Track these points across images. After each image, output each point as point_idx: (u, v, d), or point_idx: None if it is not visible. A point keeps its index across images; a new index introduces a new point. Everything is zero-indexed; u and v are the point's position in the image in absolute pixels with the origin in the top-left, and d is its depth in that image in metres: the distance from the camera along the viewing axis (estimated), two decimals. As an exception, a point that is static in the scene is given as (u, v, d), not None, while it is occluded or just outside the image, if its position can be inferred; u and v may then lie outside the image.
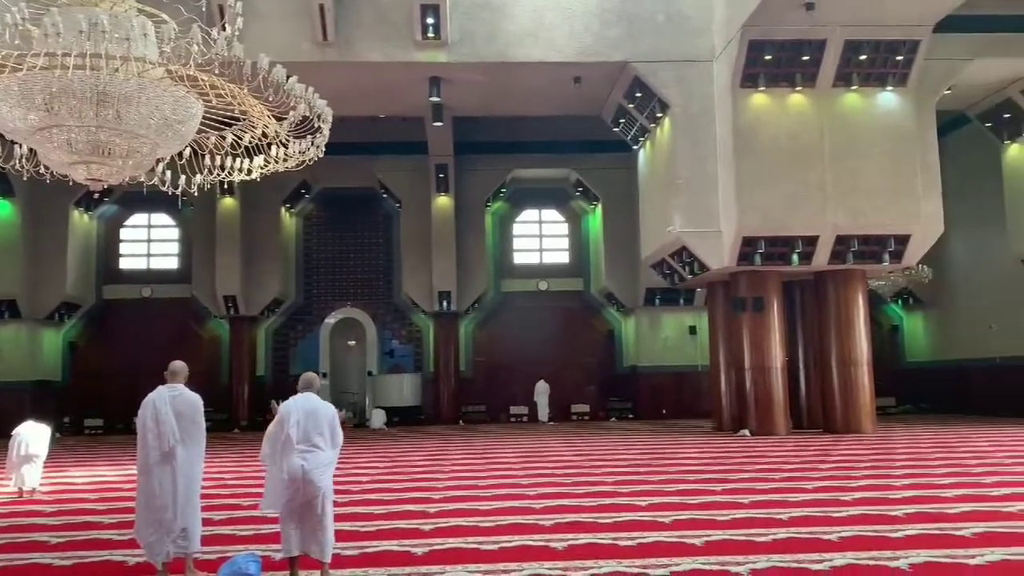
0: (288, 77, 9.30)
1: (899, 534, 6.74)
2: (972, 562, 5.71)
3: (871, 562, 5.78)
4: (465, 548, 6.57)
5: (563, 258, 29.31)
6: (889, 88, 17.88)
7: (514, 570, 5.78)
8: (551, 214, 29.57)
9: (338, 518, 7.66)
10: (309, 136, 10.38)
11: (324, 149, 10.70)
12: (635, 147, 21.80)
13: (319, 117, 10.03)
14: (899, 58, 17.48)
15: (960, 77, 19.51)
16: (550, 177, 28.31)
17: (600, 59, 18.88)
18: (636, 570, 5.70)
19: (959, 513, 7.66)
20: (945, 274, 25.05)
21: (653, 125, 20.03)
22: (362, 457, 15.09)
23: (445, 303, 26.38)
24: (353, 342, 28.31)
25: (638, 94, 19.57)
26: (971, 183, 23.40)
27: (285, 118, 9.97)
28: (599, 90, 20.35)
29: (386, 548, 6.66)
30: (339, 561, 5.95)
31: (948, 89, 19.63)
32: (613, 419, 26.32)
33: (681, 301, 26.11)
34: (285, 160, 10.44)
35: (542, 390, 25.96)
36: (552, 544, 6.61)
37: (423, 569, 5.89)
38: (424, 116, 22.45)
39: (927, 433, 17.82)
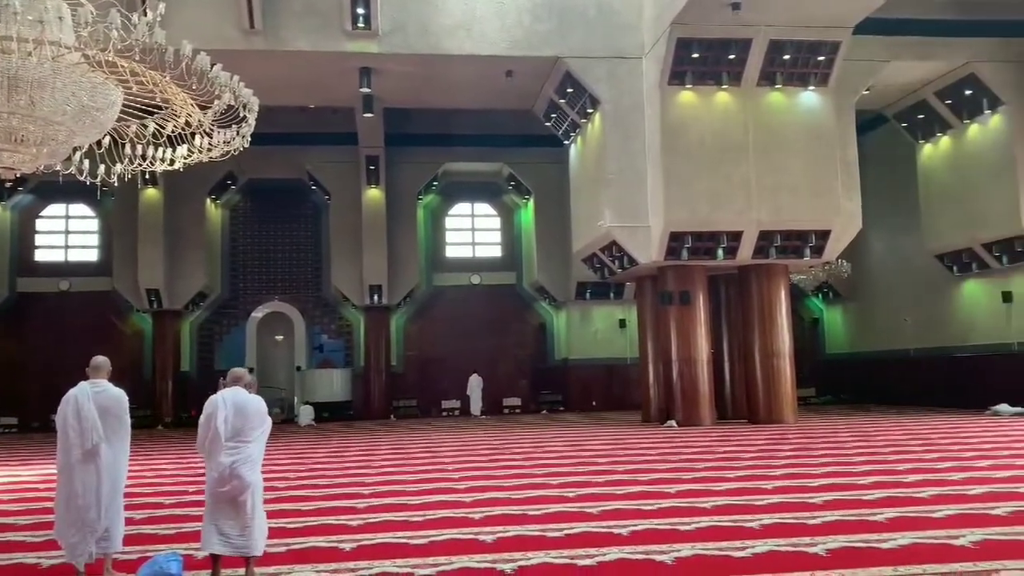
0: (212, 65, 9.09)
1: (817, 521, 6.96)
2: (884, 546, 5.94)
3: (790, 548, 5.96)
4: (394, 543, 6.54)
5: (496, 252, 29.37)
6: (811, 88, 18.40)
7: (443, 564, 5.78)
8: (484, 208, 29.59)
9: (265, 515, 7.56)
10: (234, 126, 10.18)
11: (250, 139, 10.50)
12: (567, 142, 21.97)
13: (245, 107, 9.84)
14: (820, 58, 18.00)
15: (878, 78, 20.22)
16: (482, 171, 28.31)
17: (531, 53, 18.95)
18: (564, 561, 5.76)
19: (874, 500, 7.95)
20: (863, 269, 25.95)
21: (584, 120, 20.20)
22: (290, 453, 14.88)
23: (376, 297, 26.15)
24: (281, 337, 27.87)
25: (569, 89, 19.72)
26: (888, 181, 24.27)
27: (209, 107, 9.75)
28: (531, 84, 20.43)
29: (313, 544, 6.59)
30: (265, 558, 5.85)
31: (867, 90, 20.32)
32: (544, 412, 26.53)
33: (611, 295, 26.44)
34: (210, 150, 10.22)
35: (475, 384, 26.00)
36: (481, 537, 6.64)
37: (351, 564, 5.84)
38: (355, 107, 22.19)
39: (845, 422, 18.45)
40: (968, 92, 20.55)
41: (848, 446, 13.28)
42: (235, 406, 5.53)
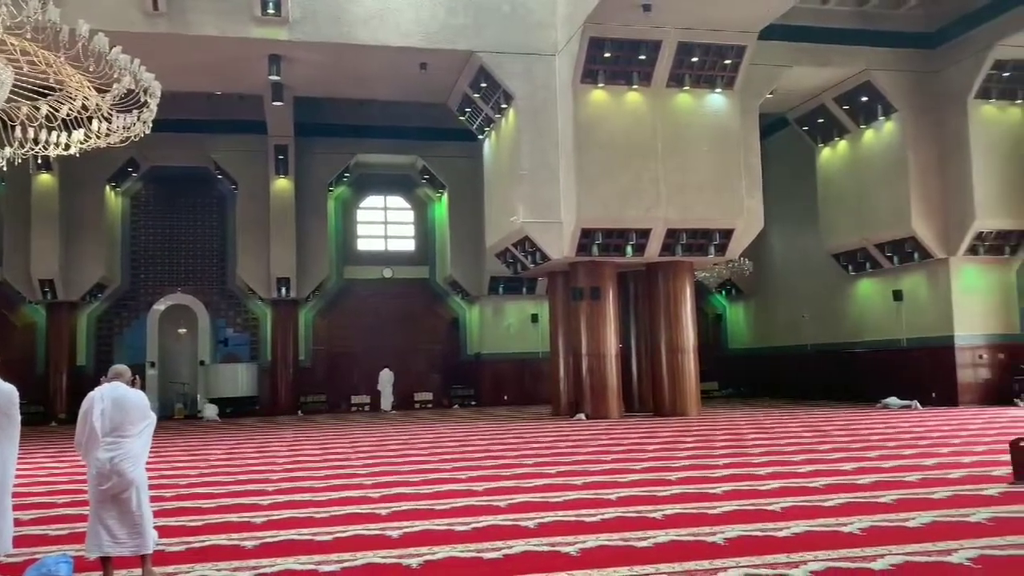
0: (112, 47, 8.74)
1: (717, 510, 7.18)
2: (780, 534, 6.17)
3: (691, 538, 6.13)
4: (298, 540, 6.44)
5: (408, 245, 29.18)
6: (718, 90, 18.91)
7: (347, 560, 5.73)
8: (396, 200, 29.34)
9: (163, 513, 7.34)
10: (135, 111, 9.81)
11: (153, 125, 10.15)
12: (481, 136, 21.98)
13: (146, 91, 9.50)
14: (727, 62, 18.51)
15: (781, 83, 20.93)
16: (395, 163, 28.09)
17: (446, 47, 18.87)
18: (470, 555, 5.78)
19: (771, 490, 8.25)
20: (764, 267, 26.87)
21: (498, 115, 20.25)
22: (192, 450, 14.46)
23: (284, 290, 25.63)
24: (184, 330, 27.00)
25: (483, 84, 19.73)
26: (789, 183, 25.19)
27: (108, 90, 9.37)
28: (445, 78, 20.34)
29: (214, 542, 6.42)
30: (162, 557, 5.68)
31: (770, 93, 21.02)
32: (456, 406, 26.53)
33: (524, 290, 26.62)
34: (108, 136, 9.82)
35: (386, 379, 25.77)
36: (388, 532, 6.60)
37: (252, 563, 5.72)
38: (263, 95, 21.69)
39: (745, 415, 19.09)
40: (864, 99, 21.50)
41: (747, 438, 13.74)
42: (114, 401, 5.35)
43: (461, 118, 22.01)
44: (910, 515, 6.71)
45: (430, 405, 27.03)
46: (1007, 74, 19.64)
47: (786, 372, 26.17)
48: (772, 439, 13.48)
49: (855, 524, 6.42)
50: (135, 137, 9.97)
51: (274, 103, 21.14)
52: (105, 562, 5.29)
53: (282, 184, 25.55)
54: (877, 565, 5.19)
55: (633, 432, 15.34)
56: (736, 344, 29.64)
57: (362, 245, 28.77)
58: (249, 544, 6.31)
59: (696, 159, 18.65)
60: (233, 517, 7.52)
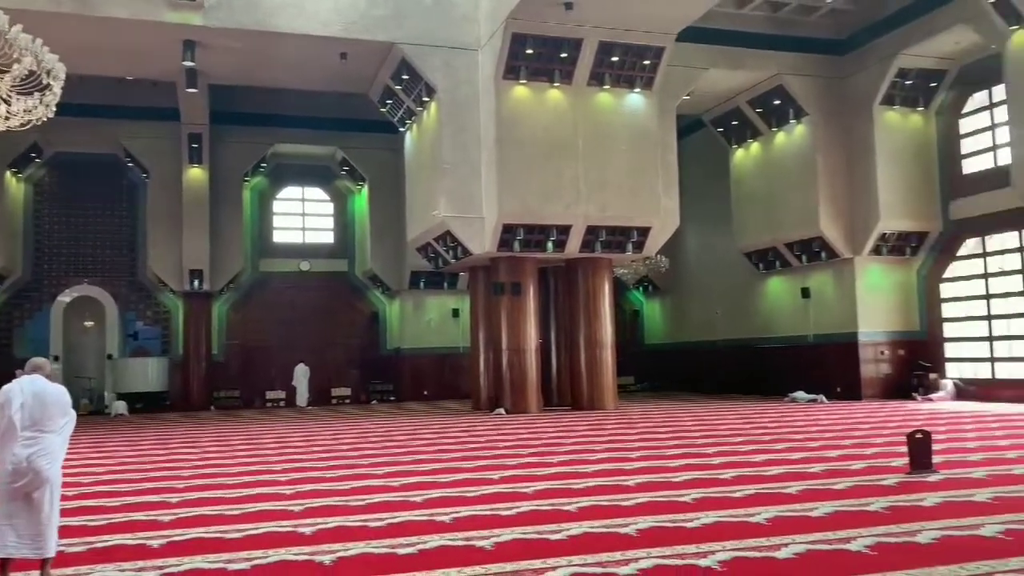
0: (12, 25, 8.34)
1: (630, 502, 7.31)
2: (690, 525, 6.32)
3: (603, 529, 6.22)
4: (207, 538, 6.28)
5: (327, 238, 28.74)
6: (637, 90, 19.21)
7: (258, 558, 5.62)
8: (315, 192, 28.86)
9: (65, 512, 7.05)
10: (37, 93, 9.38)
11: (56, 109, 9.73)
12: (402, 129, 21.80)
13: (49, 73, 9.10)
14: (646, 62, 18.82)
15: (698, 84, 21.40)
16: (314, 154, 27.61)
17: (366, 37, 18.65)
18: (384, 550, 5.75)
19: (683, 481, 8.45)
20: (680, 264, 27.45)
21: (420, 108, 20.12)
22: (98, 447, 13.94)
23: (196, 282, 24.92)
24: (91, 323, 25.98)
25: (405, 76, 19.57)
26: (704, 183, 25.78)
27: (7, 71, 8.93)
28: (366, 69, 20.11)
29: (119, 542, 6.21)
30: (62, 559, 5.46)
31: (687, 95, 21.47)
32: (375, 402, 26.29)
33: (445, 284, 26.53)
34: (7, 119, 9.37)
35: (301, 374, 25.29)
36: (301, 529, 6.50)
37: (159, 562, 5.55)
38: (177, 81, 21.03)
39: (660, 409, 19.50)
40: (776, 102, 22.16)
41: (661, 431, 14.04)
42: (34, 395, 5.11)
43: (382, 110, 21.79)
44: (814, 505, 6.97)
45: (348, 400, 26.71)
46: (910, 82, 20.53)
47: (700, 366, 26.82)
48: (685, 431, 13.80)
49: (762, 514, 6.63)
50: (37, 121, 9.54)
51: (188, 90, 20.53)
52: (3, 564, 5.05)
53: (196, 173, 24.83)
54: (781, 554, 5.38)
55: (551, 426, 15.48)
56: (652, 339, 30.22)
57: (279, 237, 28.19)
58: (155, 543, 6.13)
59: (615, 158, 18.91)
60: (139, 516, 7.29)
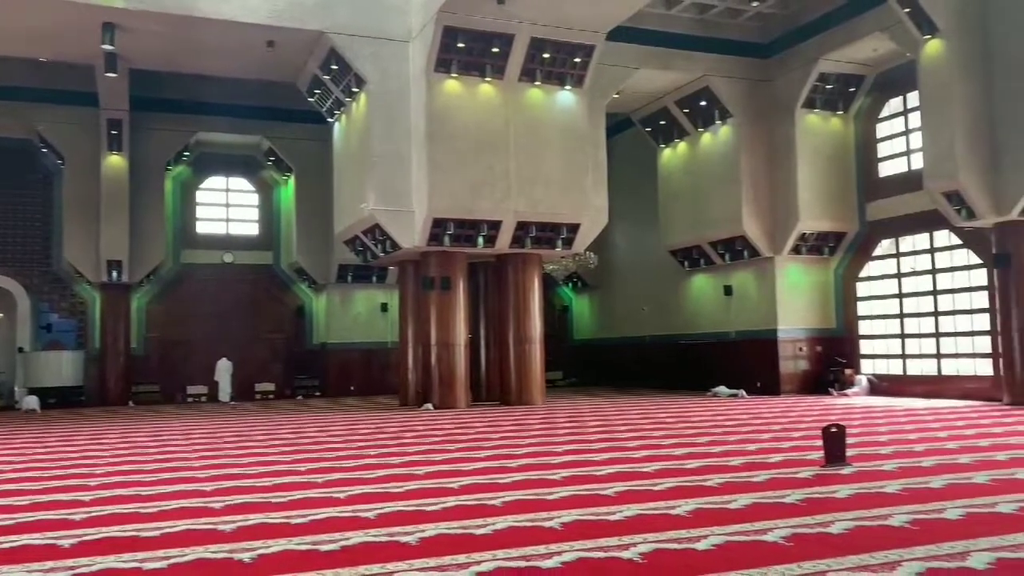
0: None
1: (554, 496, 7.36)
2: (612, 518, 6.40)
3: (528, 523, 6.25)
4: (122, 536, 6.08)
5: (252, 230, 28.18)
6: (568, 87, 19.34)
7: (175, 556, 5.46)
8: (240, 183, 28.25)
9: (-34, 513, 6.74)
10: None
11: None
12: (331, 120, 21.50)
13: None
14: (577, 60, 18.97)
15: (627, 84, 21.67)
16: (240, 143, 27.02)
17: (294, 25, 18.33)
18: (306, 547, 5.66)
19: (607, 475, 8.55)
20: (608, 261, 27.80)
21: (349, 99, 19.87)
22: (6, 443, 13.37)
23: (115, 273, 24.13)
24: (0, 315, 24.90)
25: (334, 66, 19.30)
26: (632, 181, 26.16)
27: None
28: (294, 57, 19.76)
29: (26, 542, 5.96)
30: (-37, 562, 5.22)
31: (617, 93, 21.73)
32: (300, 397, 25.93)
33: (374, 278, 26.31)
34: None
35: (224, 368, 24.79)
36: (220, 527, 6.35)
37: (69, 562, 5.35)
38: (95, 65, 20.28)
39: (587, 404, 19.71)
40: (703, 103, 22.61)
41: (588, 425, 14.19)
42: None
43: (310, 100, 21.45)
44: (733, 497, 7.13)
45: (272, 396, 26.27)
46: (830, 86, 21.19)
47: (627, 362, 27.22)
48: (610, 425, 13.98)
49: (683, 507, 6.75)
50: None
51: (107, 74, 19.76)
52: None
53: (115, 161, 24.02)
54: (701, 545, 5.48)
55: (479, 421, 15.50)
56: (581, 335, 30.52)
57: (201, 228, 27.52)
58: (66, 543, 5.90)
59: (546, 154, 19.01)
60: (50, 515, 7.01)
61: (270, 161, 27.31)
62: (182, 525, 6.44)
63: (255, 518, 6.65)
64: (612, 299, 28.73)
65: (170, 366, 25.94)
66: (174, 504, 7.40)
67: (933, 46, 16.93)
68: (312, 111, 22.34)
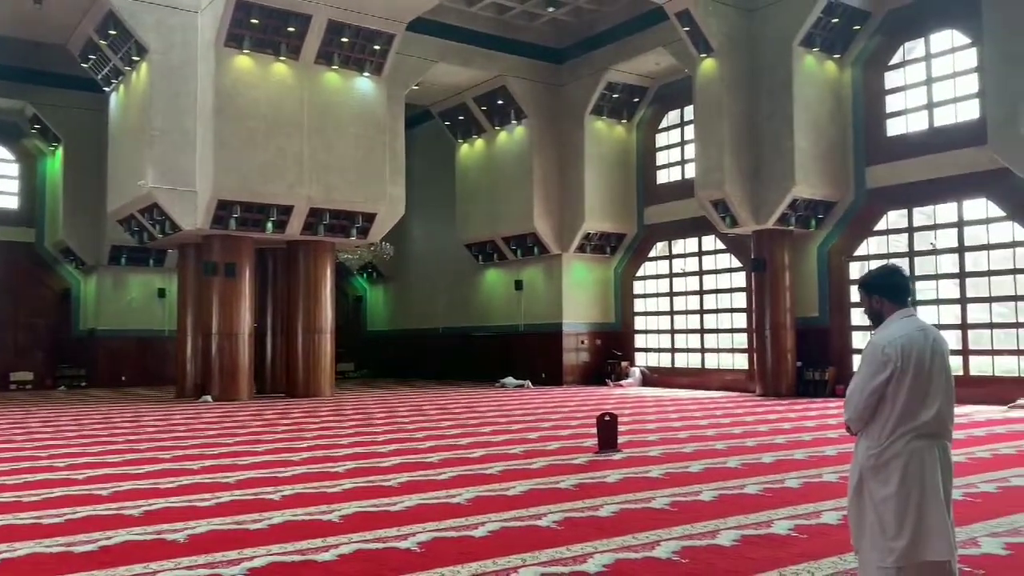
0: None
1: (337, 488, 7.28)
2: (394, 509, 6.44)
3: (307, 517, 6.15)
4: None
5: (11, 203, 25.49)
6: (366, 74, 19.09)
7: (-102, 566, 4.87)
8: (-3, 150, 25.43)
9: None
10: None
11: None
12: (107, 88, 19.88)
13: None
14: (376, 47, 18.77)
15: (427, 76, 21.73)
16: (-1, 107, 24.33)
17: (67, -17, 16.77)
18: (60, 549, 5.24)
19: (391, 466, 8.58)
20: (405, 252, 27.77)
21: (129, 68, 18.47)
22: None
23: None
24: None
25: (112, 31, 17.86)
26: (431, 174, 26.30)
27: None
28: (65, 17, 18.11)
29: None
30: None
31: (416, 85, 21.75)
32: (63, 388, 23.82)
33: (151, 262, 24.65)
34: None
35: (-28, 355, 22.29)
36: (-43, 531, 5.73)
37: None
38: None
39: (378, 395, 19.63)
40: (500, 102, 23.14)
41: (376, 416, 14.15)
42: None
43: (84, 65, 19.71)
44: (512, 484, 7.40)
45: (30, 386, 23.94)
46: (616, 95, 22.39)
47: (420, 353, 27.34)
48: (398, 416, 14.01)
49: (464, 495, 6.91)
50: None
51: None
52: None
53: None
54: (478, 532, 5.64)
55: (263, 414, 14.99)
56: (375, 326, 30.28)
57: (-51, 199, 24.53)
58: None
59: (342, 140, 18.67)
60: None
61: (35, 129, 24.75)
62: (-91, 531, 5.75)
63: (3, 520, 6.07)
64: (408, 290, 28.73)
65: (-96, 352, 22.96)
66: (-100, 508, 6.58)
67: (708, 65, 18.33)
68: (85, 77, 20.52)
